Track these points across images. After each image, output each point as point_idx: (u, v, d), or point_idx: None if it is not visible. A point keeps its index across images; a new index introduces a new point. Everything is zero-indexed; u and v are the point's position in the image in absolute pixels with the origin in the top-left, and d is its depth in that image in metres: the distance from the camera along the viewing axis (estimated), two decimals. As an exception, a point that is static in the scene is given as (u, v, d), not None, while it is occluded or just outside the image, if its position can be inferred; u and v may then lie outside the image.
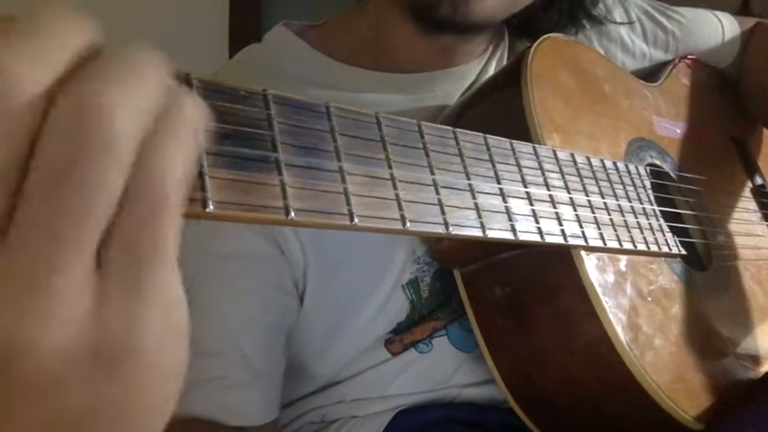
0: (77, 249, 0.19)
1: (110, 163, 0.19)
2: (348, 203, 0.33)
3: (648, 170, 0.62)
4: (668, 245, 0.58)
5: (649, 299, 0.55)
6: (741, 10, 1.11)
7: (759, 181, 0.80)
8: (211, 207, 0.27)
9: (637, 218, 0.55)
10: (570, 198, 0.49)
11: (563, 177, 0.49)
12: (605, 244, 0.50)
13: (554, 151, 0.50)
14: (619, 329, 0.50)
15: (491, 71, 0.69)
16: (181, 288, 0.23)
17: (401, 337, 0.62)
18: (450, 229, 0.38)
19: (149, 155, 0.20)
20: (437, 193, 0.38)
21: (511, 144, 0.46)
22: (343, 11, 0.70)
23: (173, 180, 0.21)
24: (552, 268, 0.52)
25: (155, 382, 0.22)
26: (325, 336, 0.62)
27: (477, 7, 0.57)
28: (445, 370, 0.63)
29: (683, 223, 0.66)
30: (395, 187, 0.36)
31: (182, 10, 1.48)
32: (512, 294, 0.55)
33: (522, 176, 0.45)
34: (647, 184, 0.60)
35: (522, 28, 0.70)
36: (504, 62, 0.70)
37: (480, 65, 0.68)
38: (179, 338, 0.23)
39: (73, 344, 0.20)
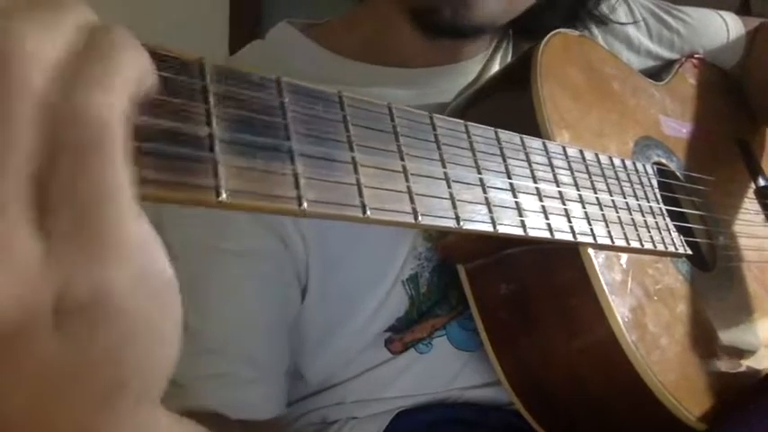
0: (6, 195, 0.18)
1: (19, 98, 0.18)
2: (360, 195, 0.32)
3: (655, 169, 0.62)
4: (674, 244, 0.57)
5: (655, 298, 0.55)
6: (741, 9, 1.10)
7: (762, 182, 0.80)
8: (224, 195, 0.27)
9: (644, 216, 0.55)
10: (579, 195, 0.48)
11: (572, 174, 0.49)
12: (613, 242, 0.50)
13: (563, 148, 0.50)
14: (625, 328, 0.50)
15: (495, 68, 0.68)
16: (149, 230, 0.22)
17: (401, 336, 0.62)
18: (462, 223, 0.37)
19: (70, 91, 0.19)
20: (449, 186, 0.38)
21: (521, 139, 0.46)
22: (344, 10, 0.70)
23: (98, 115, 0.19)
24: (559, 265, 0.51)
25: (140, 336, 0.22)
26: (323, 334, 0.61)
27: (478, 11, 0.57)
28: (446, 371, 0.62)
29: (687, 223, 0.66)
30: (407, 180, 0.35)
31: (182, 9, 1.48)
32: (518, 291, 0.54)
33: (533, 172, 0.45)
34: (654, 182, 0.60)
35: (527, 27, 0.70)
36: (509, 60, 0.70)
37: (484, 61, 0.68)
38: (158, 284, 0.22)
39: (28, 298, 0.19)
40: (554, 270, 0.52)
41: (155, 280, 0.22)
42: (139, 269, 0.21)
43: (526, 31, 0.71)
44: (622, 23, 0.75)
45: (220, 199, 0.27)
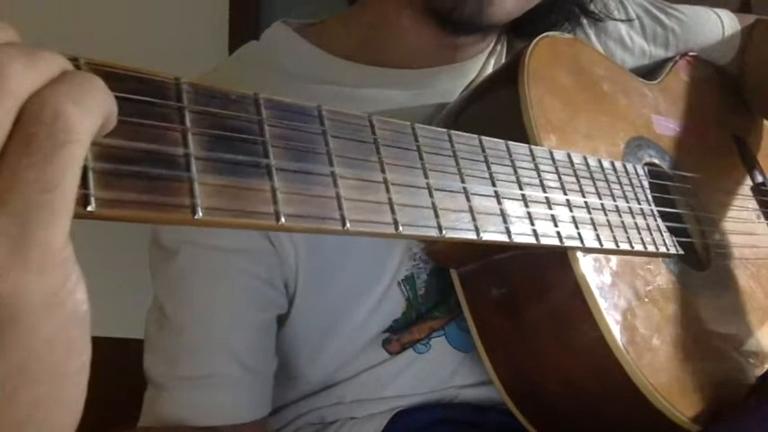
0: None
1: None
2: (340, 208, 0.33)
3: (647, 169, 0.62)
4: (666, 245, 0.57)
5: (647, 299, 0.55)
6: (741, 9, 1.10)
7: (759, 179, 0.80)
8: (200, 214, 0.27)
9: (634, 218, 0.55)
10: (567, 199, 0.49)
11: (559, 178, 0.49)
12: (602, 245, 0.50)
13: (550, 152, 0.50)
14: (615, 330, 0.50)
15: (490, 69, 0.68)
16: (74, 260, 0.21)
17: (399, 337, 0.62)
18: (444, 232, 0.37)
19: (48, 99, 0.21)
20: (431, 196, 0.38)
21: (506, 145, 0.46)
22: (342, 10, 0.70)
23: (69, 121, 0.21)
24: (549, 269, 0.51)
25: (42, 361, 0.20)
26: (320, 336, 0.62)
27: (501, 7, 0.57)
28: (444, 371, 0.63)
29: (681, 223, 0.66)
30: (388, 191, 0.35)
31: (182, 9, 1.48)
32: (509, 295, 0.54)
33: (518, 178, 0.45)
34: (645, 183, 0.59)
35: (521, 26, 0.70)
36: (503, 60, 0.70)
37: (480, 62, 0.68)
38: (71, 314, 0.21)
39: None
40: (544, 273, 0.52)
41: (69, 307, 0.21)
42: (55, 287, 0.20)
43: (521, 30, 0.71)
44: (617, 19, 0.75)
45: (196, 217, 0.27)
